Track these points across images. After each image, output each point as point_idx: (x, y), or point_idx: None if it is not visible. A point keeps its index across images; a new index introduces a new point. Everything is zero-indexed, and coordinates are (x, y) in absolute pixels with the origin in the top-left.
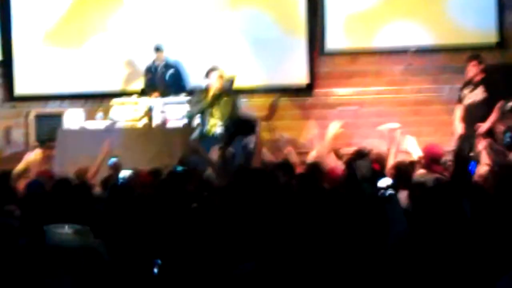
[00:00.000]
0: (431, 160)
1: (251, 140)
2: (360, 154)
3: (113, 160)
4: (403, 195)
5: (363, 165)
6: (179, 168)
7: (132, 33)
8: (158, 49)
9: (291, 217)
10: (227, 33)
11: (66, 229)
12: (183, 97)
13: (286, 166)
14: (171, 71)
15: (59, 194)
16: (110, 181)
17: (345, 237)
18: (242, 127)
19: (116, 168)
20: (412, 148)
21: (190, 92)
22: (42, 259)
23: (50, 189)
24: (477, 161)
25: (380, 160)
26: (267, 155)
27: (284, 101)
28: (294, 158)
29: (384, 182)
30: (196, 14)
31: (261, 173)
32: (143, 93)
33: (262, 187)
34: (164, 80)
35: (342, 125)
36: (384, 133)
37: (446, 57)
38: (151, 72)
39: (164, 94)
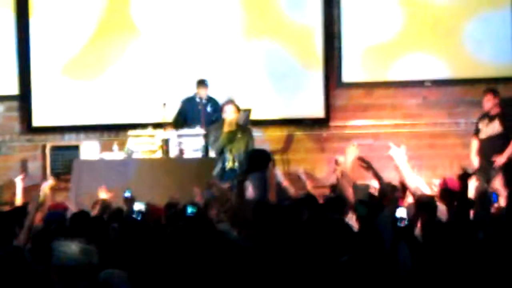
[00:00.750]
0: (449, 193)
1: (266, 175)
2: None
3: (128, 193)
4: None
5: (360, 189)
6: (190, 210)
7: (149, 65)
8: (201, 84)
9: (314, 254)
10: (244, 65)
11: (73, 247)
12: (198, 130)
13: (309, 200)
14: (210, 108)
15: (77, 226)
16: (123, 213)
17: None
18: (256, 161)
19: (131, 200)
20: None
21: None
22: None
23: (67, 221)
24: (496, 195)
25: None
26: (289, 189)
27: (299, 134)
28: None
29: (401, 212)
30: (213, 47)
31: (282, 209)
32: (159, 125)
33: (284, 223)
34: (200, 116)
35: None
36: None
37: (462, 90)
38: (186, 105)
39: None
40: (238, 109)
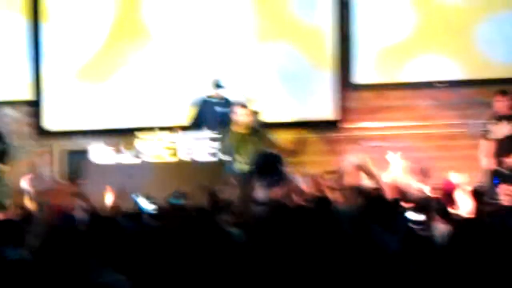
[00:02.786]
0: (447, 194)
1: (277, 177)
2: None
3: (138, 197)
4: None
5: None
6: (175, 201)
7: (161, 69)
8: (217, 85)
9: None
10: (256, 67)
11: None
12: (210, 133)
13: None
14: (226, 110)
15: (93, 228)
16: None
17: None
18: (267, 166)
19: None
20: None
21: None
22: None
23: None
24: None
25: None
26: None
27: (311, 136)
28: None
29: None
30: (224, 49)
31: (300, 211)
32: (169, 128)
33: (302, 225)
34: (215, 117)
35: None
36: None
37: (474, 91)
38: (202, 107)
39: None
40: (251, 111)
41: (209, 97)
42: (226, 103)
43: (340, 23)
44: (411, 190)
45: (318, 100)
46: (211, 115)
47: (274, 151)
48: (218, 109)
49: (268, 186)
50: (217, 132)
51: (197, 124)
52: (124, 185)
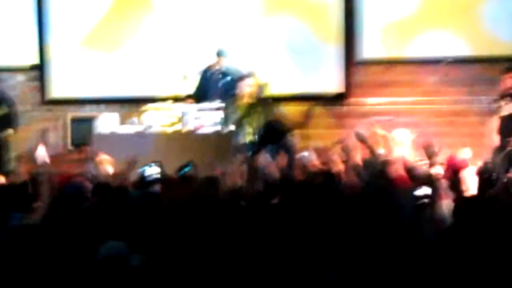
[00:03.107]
0: (453, 172)
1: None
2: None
3: (144, 168)
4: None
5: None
6: (187, 169)
7: (167, 38)
8: (219, 54)
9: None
10: (263, 40)
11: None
12: (217, 104)
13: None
14: (227, 79)
15: (100, 197)
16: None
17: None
18: (269, 133)
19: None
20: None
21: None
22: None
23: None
24: None
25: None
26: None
27: (318, 109)
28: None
29: (422, 191)
30: (231, 20)
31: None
32: (178, 99)
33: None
34: (217, 86)
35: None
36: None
37: (482, 68)
38: (205, 76)
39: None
40: (258, 83)
41: (211, 67)
42: (229, 72)
43: None
44: (418, 167)
45: (324, 74)
46: (214, 84)
47: (280, 121)
48: (220, 78)
49: (272, 154)
50: (221, 101)
51: (200, 94)
52: (131, 154)
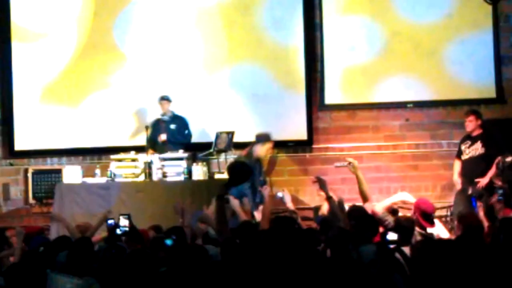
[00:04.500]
0: (421, 215)
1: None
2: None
3: (112, 222)
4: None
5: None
6: (169, 241)
7: (131, 89)
8: (164, 99)
9: None
10: (227, 88)
11: (75, 280)
12: (181, 153)
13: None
14: (175, 124)
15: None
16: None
17: None
18: (236, 174)
19: (114, 228)
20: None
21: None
22: None
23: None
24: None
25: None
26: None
27: (282, 156)
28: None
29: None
30: (196, 69)
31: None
32: (141, 149)
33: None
34: (167, 132)
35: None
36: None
37: (444, 111)
38: (155, 126)
39: (162, 149)
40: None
41: (161, 115)
42: (175, 119)
43: (310, 43)
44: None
45: (288, 120)
46: (158, 132)
47: (244, 162)
48: (163, 125)
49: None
50: (170, 148)
51: (152, 143)
52: (97, 206)
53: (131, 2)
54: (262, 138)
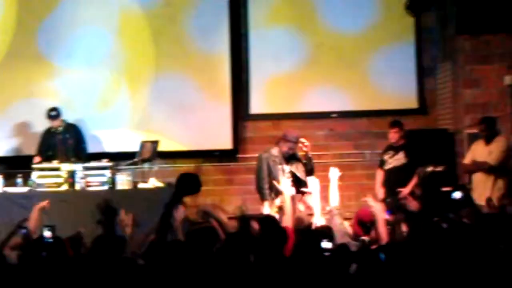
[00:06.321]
0: (358, 223)
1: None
2: None
3: (25, 231)
4: None
5: None
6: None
7: (55, 99)
8: (51, 117)
9: None
10: (152, 97)
11: None
12: (105, 163)
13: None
14: (71, 137)
15: None
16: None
17: None
18: (186, 185)
19: (27, 237)
20: None
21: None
22: None
23: None
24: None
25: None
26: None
27: (207, 166)
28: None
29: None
30: (121, 78)
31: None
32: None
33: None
34: (64, 144)
35: None
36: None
37: (368, 122)
38: (48, 137)
39: (64, 159)
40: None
41: (49, 128)
42: (69, 130)
43: (235, 53)
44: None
45: (213, 130)
46: (53, 144)
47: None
48: (59, 138)
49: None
50: (66, 159)
51: (42, 152)
52: (17, 215)
53: (56, 8)
54: None
